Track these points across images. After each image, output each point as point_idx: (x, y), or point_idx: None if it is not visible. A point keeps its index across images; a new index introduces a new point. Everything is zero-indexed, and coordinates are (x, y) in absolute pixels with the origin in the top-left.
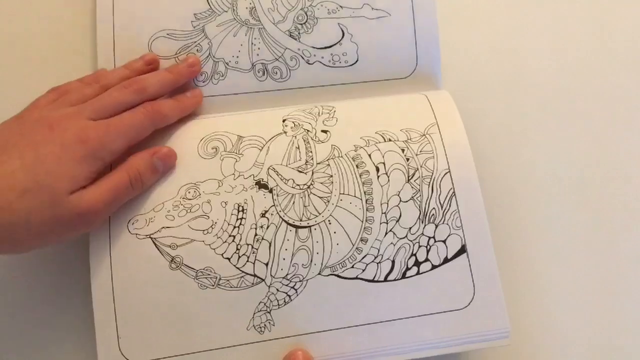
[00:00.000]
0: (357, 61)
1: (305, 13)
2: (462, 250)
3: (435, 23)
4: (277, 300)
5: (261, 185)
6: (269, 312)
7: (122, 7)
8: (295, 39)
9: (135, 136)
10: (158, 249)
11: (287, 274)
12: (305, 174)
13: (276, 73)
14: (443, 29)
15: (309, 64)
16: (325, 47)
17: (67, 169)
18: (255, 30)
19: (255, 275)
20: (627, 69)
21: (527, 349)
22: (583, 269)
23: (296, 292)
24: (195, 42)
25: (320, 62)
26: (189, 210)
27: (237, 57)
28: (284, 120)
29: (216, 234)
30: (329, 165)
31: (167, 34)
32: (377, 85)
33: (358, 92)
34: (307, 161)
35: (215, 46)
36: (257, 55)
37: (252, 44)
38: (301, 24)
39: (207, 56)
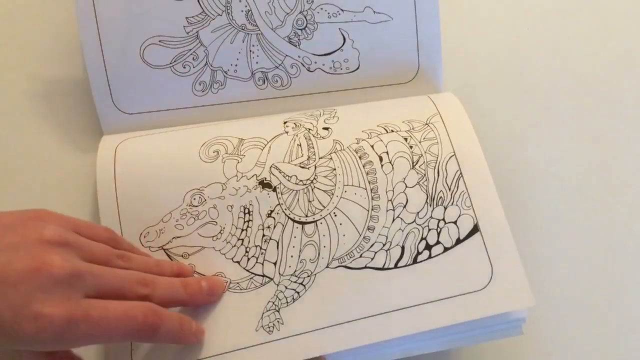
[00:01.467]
0: (358, 67)
1: (305, 17)
2: (475, 229)
3: (437, 27)
4: (286, 298)
5: (264, 184)
6: (278, 311)
7: (105, 13)
8: (295, 46)
9: (109, 339)
10: (171, 260)
11: (295, 271)
12: (308, 169)
13: (277, 81)
14: (442, 32)
15: (310, 71)
16: (326, 54)
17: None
18: (252, 36)
19: (264, 276)
20: (628, 68)
21: (533, 343)
22: (583, 266)
23: (304, 287)
24: (190, 49)
25: (321, 69)
26: (196, 218)
27: (236, 65)
28: (285, 123)
29: (225, 239)
30: (331, 158)
31: (160, 41)
32: (378, 91)
33: (359, 97)
34: (309, 157)
35: (212, 54)
36: (257, 63)
37: (250, 51)
38: (301, 29)
39: (205, 65)
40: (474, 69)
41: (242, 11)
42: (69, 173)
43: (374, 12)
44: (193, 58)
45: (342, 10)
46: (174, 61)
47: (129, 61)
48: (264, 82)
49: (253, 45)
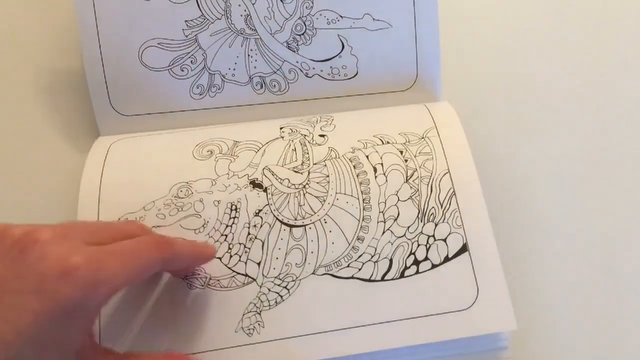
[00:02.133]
0: (356, 74)
1: (304, 23)
2: (464, 249)
3: (436, 34)
4: (268, 301)
5: (255, 184)
6: (259, 313)
7: (104, 14)
8: (294, 51)
9: (139, 272)
10: None
11: (279, 274)
12: (301, 174)
13: (274, 86)
14: (441, 39)
15: (308, 77)
16: (325, 60)
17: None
18: (251, 40)
19: (246, 275)
20: (628, 69)
21: (529, 350)
22: (584, 271)
23: (288, 292)
24: (188, 53)
25: (320, 75)
26: (180, 209)
27: (234, 69)
28: (281, 128)
29: (208, 233)
30: (325, 165)
31: (158, 44)
32: (376, 98)
33: (357, 104)
34: (303, 162)
35: (210, 58)
36: (255, 67)
37: (248, 55)
38: (299, 35)
39: (202, 68)
40: (473, 74)
41: (241, 15)
42: (66, 173)
43: (373, 19)
44: (191, 61)
45: (341, 16)
46: (172, 64)
47: (127, 63)
48: (261, 87)
49: (251, 50)
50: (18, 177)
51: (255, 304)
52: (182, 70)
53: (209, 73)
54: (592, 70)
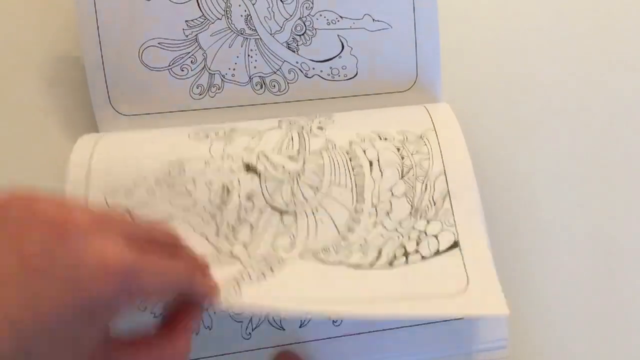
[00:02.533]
0: (356, 75)
1: (304, 23)
2: (455, 245)
3: (436, 36)
4: (250, 276)
5: (249, 168)
6: (238, 285)
7: (105, 14)
8: (294, 52)
9: (168, 290)
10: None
11: (265, 257)
12: (297, 161)
13: (274, 86)
14: (441, 39)
15: (308, 77)
16: (325, 60)
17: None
18: (251, 41)
19: (232, 256)
20: (628, 69)
21: (528, 349)
22: (583, 271)
23: (272, 272)
24: (188, 52)
25: (319, 75)
26: (171, 186)
27: (234, 69)
28: (279, 120)
29: (197, 213)
30: (321, 155)
31: (159, 44)
32: (376, 98)
33: (356, 104)
34: (299, 151)
35: (210, 58)
36: (255, 67)
37: (248, 55)
38: (299, 35)
39: (202, 68)
40: (473, 74)
41: (241, 16)
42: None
43: (373, 20)
44: (191, 61)
45: (341, 17)
46: (172, 64)
47: (128, 63)
48: (261, 87)
49: (251, 50)
50: (18, 176)
51: (236, 279)
52: (182, 70)
53: (209, 73)
54: (592, 70)
